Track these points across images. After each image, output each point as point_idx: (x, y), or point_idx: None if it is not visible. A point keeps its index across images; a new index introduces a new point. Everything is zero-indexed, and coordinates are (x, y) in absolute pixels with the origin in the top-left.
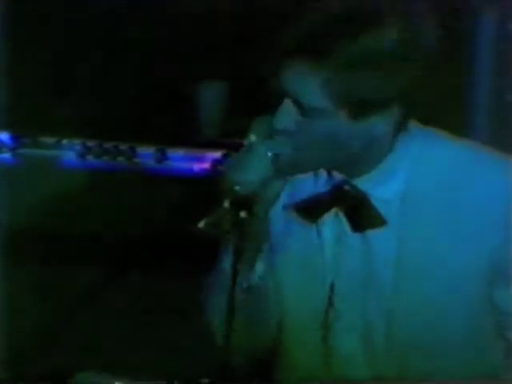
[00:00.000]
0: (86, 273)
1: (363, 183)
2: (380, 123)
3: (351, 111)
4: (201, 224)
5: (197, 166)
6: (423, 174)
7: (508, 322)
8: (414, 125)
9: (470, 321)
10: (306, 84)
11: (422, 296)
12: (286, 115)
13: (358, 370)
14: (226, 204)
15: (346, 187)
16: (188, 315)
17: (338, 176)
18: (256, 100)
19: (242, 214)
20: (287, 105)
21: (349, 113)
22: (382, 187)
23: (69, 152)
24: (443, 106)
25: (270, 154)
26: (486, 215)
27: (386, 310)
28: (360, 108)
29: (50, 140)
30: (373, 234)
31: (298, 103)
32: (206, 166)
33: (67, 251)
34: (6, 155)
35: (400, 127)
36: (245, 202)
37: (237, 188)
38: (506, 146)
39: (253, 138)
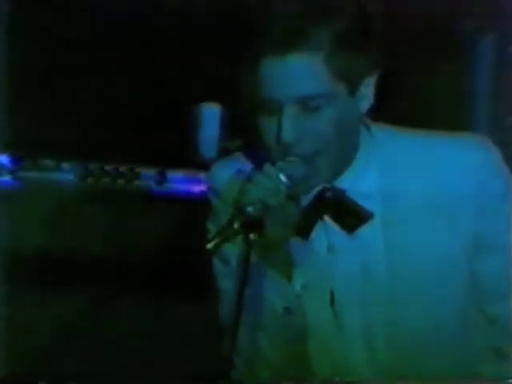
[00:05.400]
0: (86, 295)
1: (343, 182)
2: (364, 99)
3: (349, 85)
4: (210, 245)
5: (197, 188)
6: (395, 166)
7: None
8: (371, 123)
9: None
10: (310, 69)
11: (416, 286)
12: (292, 121)
13: (362, 374)
14: (236, 225)
15: (328, 194)
16: (190, 336)
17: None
18: (254, 119)
19: (252, 236)
20: (289, 111)
21: (347, 88)
22: (360, 182)
23: (69, 174)
24: (443, 130)
25: (284, 179)
26: (461, 193)
27: (385, 309)
28: (353, 80)
29: (50, 162)
30: (360, 232)
31: (301, 101)
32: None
33: (67, 274)
34: (6, 178)
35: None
36: (255, 224)
37: (249, 209)
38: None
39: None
